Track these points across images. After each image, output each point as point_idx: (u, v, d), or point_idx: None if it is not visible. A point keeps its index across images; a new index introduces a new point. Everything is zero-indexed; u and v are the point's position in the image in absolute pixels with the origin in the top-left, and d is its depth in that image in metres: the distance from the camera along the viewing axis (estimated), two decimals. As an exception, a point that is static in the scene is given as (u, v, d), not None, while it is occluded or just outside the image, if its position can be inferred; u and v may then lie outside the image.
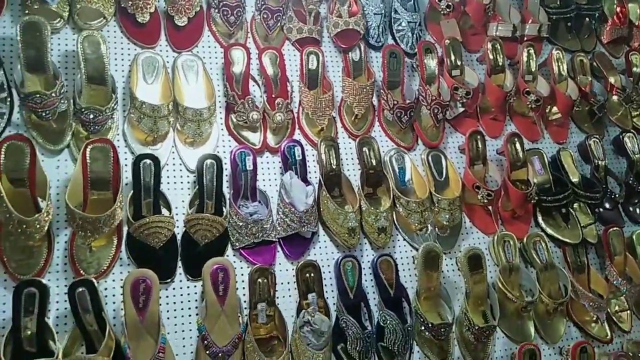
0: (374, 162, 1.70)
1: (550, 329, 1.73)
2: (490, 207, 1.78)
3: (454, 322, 1.58)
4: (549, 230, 1.84)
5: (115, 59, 1.56)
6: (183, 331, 1.38)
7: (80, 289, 1.25)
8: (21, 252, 1.28)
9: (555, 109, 2.03)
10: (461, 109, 1.87)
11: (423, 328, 1.53)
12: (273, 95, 1.65)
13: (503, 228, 1.80)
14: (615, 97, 2.16)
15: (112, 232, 1.36)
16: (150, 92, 1.52)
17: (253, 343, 1.36)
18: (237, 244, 1.47)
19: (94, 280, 1.27)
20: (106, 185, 1.37)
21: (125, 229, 1.39)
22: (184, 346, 1.37)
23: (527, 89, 1.91)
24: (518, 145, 1.86)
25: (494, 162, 1.86)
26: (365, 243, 1.63)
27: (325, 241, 1.60)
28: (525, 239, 1.79)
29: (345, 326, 1.44)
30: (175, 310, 1.39)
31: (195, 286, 1.43)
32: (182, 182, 1.51)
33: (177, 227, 1.43)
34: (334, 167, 1.64)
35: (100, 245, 1.35)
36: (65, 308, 1.29)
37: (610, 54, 2.29)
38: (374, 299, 1.57)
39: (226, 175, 1.53)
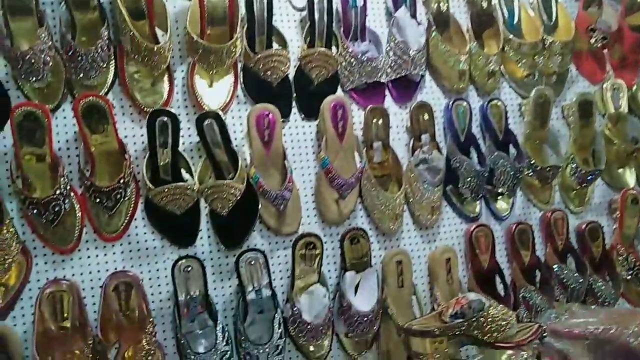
0: (484, 3, 1.59)
1: (652, 177, 1.73)
2: (601, 53, 1.70)
3: (560, 166, 1.58)
4: (659, 78, 1.78)
5: None
6: (302, 167, 1.41)
7: (208, 121, 1.26)
8: (146, 83, 1.27)
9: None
10: (576, -56, 1.71)
11: (530, 171, 1.54)
12: None
13: (611, 76, 1.73)
14: None
15: (229, 67, 1.33)
16: None
17: (371, 179, 1.39)
18: (348, 84, 1.44)
19: (221, 113, 1.28)
20: (222, 19, 1.31)
21: (240, 65, 1.36)
22: (303, 182, 1.40)
23: None
24: (636, -13, 1.72)
25: (608, 5, 1.74)
26: (472, 89, 1.59)
27: (431, 86, 1.56)
28: (634, 88, 1.73)
29: (459, 165, 1.45)
30: (292, 148, 1.40)
31: (309, 125, 1.43)
32: (289, 20, 1.45)
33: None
34: (443, 7, 1.55)
35: (219, 80, 1.34)
36: (190, 142, 1.32)
37: None
38: (481, 144, 1.56)
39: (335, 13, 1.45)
